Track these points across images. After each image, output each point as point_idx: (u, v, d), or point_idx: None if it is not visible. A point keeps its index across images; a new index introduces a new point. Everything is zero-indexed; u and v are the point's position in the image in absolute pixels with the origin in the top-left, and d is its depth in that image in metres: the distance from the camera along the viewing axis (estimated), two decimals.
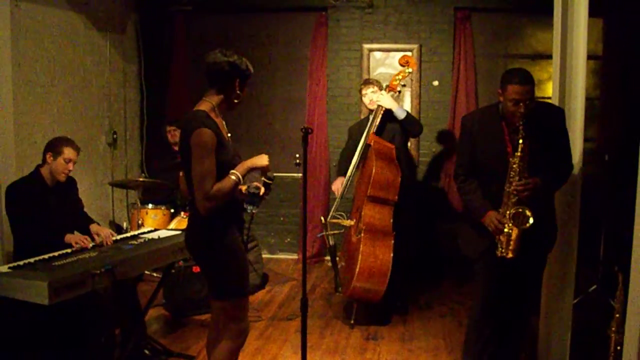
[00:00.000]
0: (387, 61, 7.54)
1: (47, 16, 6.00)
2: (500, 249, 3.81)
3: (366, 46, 7.58)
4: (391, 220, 5.42)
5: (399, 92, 5.94)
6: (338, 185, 5.96)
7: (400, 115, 5.67)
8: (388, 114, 5.71)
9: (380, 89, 5.82)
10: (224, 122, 3.60)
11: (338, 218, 5.91)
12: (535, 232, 3.77)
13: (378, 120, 5.70)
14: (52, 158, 4.53)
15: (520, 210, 3.73)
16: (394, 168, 5.47)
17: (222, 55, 3.48)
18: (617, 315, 3.80)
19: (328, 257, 7.33)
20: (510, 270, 3.91)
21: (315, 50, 7.61)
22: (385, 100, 5.68)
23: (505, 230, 3.77)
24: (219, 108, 3.56)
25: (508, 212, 3.77)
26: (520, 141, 3.70)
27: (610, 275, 5.58)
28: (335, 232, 6.04)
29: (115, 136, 7.29)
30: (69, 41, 6.38)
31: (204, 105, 3.51)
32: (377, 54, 7.58)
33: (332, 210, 6.00)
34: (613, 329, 3.84)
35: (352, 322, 5.53)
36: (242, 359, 4.80)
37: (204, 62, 3.51)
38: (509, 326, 4.18)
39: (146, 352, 4.75)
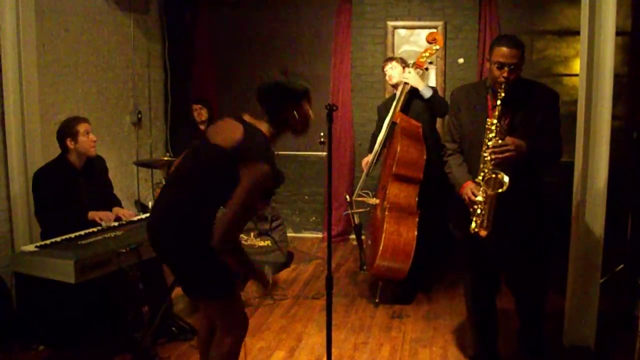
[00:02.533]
0: (411, 38, 7.48)
1: None
2: (473, 223, 3.71)
3: (390, 23, 7.52)
4: (416, 199, 5.38)
5: (426, 69, 5.87)
6: (366, 163, 5.95)
7: (426, 94, 5.61)
8: (414, 92, 5.65)
9: (404, 65, 5.77)
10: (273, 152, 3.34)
11: (364, 196, 5.89)
12: (514, 208, 3.69)
13: (403, 97, 5.65)
14: (73, 142, 4.54)
15: (494, 175, 3.61)
16: (419, 146, 5.42)
17: (270, 81, 3.33)
18: None
19: (353, 236, 7.34)
20: (496, 252, 3.87)
21: (339, 27, 7.56)
22: (412, 78, 5.61)
23: (479, 198, 3.67)
24: (277, 138, 3.37)
25: (481, 176, 3.67)
26: (499, 102, 3.61)
27: (638, 254, 5.55)
28: (361, 210, 6.01)
29: (139, 116, 7.31)
30: (93, 21, 6.38)
31: (264, 126, 3.30)
32: (402, 31, 7.52)
33: (357, 189, 5.98)
34: None
35: (377, 300, 5.54)
36: (267, 336, 4.86)
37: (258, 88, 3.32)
38: (523, 306, 4.16)
39: (173, 329, 4.80)
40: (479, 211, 3.70)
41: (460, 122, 3.95)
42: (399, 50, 7.45)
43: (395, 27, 7.52)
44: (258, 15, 7.81)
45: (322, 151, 7.50)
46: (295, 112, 3.32)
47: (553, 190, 5.03)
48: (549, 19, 7.32)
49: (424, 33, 7.31)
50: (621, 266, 5.65)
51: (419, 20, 7.48)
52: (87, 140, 4.56)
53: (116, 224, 4.53)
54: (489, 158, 3.64)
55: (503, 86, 3.63)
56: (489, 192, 3.63)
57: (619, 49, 6.58)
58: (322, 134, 6.97)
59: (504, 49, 3.64)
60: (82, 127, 4.55)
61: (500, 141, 3.61)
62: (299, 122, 3.36)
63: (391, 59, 5.90)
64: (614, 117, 4.38)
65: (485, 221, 3.68)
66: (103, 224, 4.47)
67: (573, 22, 7.04)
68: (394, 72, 5.76)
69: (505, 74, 3.63)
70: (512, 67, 3.64)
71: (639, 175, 5.88)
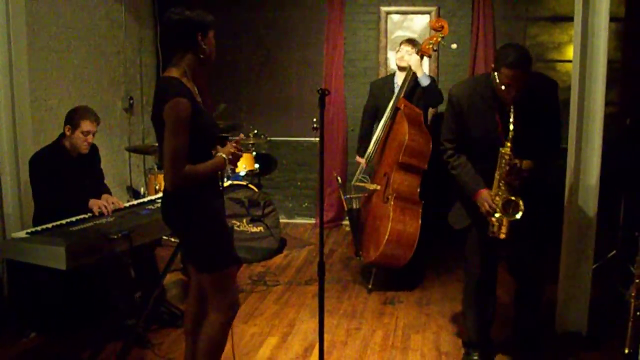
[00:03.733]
0: (404, 24, 7.46)
1: None
2: (492, 229, 3.71)
3: (384, 9, 7.49)
4: (418, 188, 5.40)
5: (430, 56, 5.84)
6: (365, 159, 5.90)
7: (424, 82, 5.60)
8: (414, 79, 5.65)
9: (417, 52, 5.73)
10: (195, 88, 3.37)
11: (364, 181, 5.86)
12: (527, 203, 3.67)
13: (407, 83, 5.64)
14: (70, 131, 4.52)
15: (513, 199, 3.62)
16: (425, 135, 5.41)
17: (173, 15, 3.25)
18: (637, 281, 3.75)
19: (346, 222, 7.34)
20: (496, 244, 3.87)
21: (332, 12, 7.52)
22: (414, 62, 5.60)
23: (497, 215, 3.66)
24: (190, 71, 3.33)
25: (499, 199, 3.66)
26: (511, 127, 3.56)
27: (630, 240, 5.55)
28: (359, 195, 5.99)
29: (131, 101, 7.27)
30: (84, 6, 6.33)
31: (174, 71, 3.28)
32: (395, 17, 7.49)
33: (357, 174, 5.94)
34: (632, 294, 3.81)
35: (370, 286, 5.54)
36: (259, 322, 4.86)
37: (161, 26, 3.32)
38: (525, 291, 4.16)
39: (165, 316, 4.79)
40: (496, 222, 3.69)
41: (462, 123, 3.86)
42: (392, 35, 7.43)
43: (389, 13, 7.49)
44: (250, 1, 7.77)
45: (315, 137, 7.51)
46: (203, 41, 3.29)
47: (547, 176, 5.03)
48: (543, 4, 7.30)
49: (417, 18, 7.34)
50: (613, 252, 5.67)
51: (413, 5, 7.45)
52: (82, 139, 4.53)
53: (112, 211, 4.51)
54: (504, 185, 3.67)
55: (511, 105, 3.57)
56: (504, 218, 3.65)
57: (613, 35, 6.57)
58: (314, 119, 6.97)
59: (512, 71, 3.52)
60: (85, 125, 4.51)
61: (514, 168, 3.63)
62: (207, 51, 3.33)
63: (412, 42, 5.85)
64: (607, 103, 4.37)
65: (504, 229, 3.67)
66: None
67: (566, 8, 7.02)
68: (407, 55, 5.72)
69: (512, 94, 3.56)
70: (520, 85, 3.56)
71: (632, 162, 5.88)
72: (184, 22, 3.24)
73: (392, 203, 5.28)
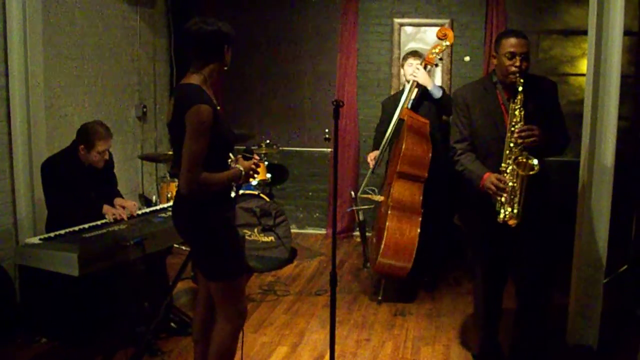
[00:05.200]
0: (418, 36, 7.47)
1: None
2: (502, 213, 3.67)
3: (397, 21, 7.50)
4: (421, 198, 5.35)
5: (436, 65, 5.78)
6: (372, 159, 5.91)
7: (436, 94, 5.56)
8: (424, 91, 5.60)
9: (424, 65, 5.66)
10: (213, 96, 3.39)
11: (369, 193, 5.87)
12: (532, 203, 3.67)
13: (413, 95, 5.60)
14: (85, 151, 4.52)
15: (525, 159, 3.59)
16: (424, 144, 5.38)
17: (205, 25, 3.28)
18: None
19: (357, 233, 7.34)
20: (506, 253, 3.87)
21: (345, 24, 7.54)
22: (421, 76, 5.54)
23: (510, 184, 3.64)
24: (210, 80, 3.38)
25: (511, 164, 3.64)
26: (520, 89, 3.63)
27: None
28: (365, 207, 5.99)
29: (145, 110, 7.31)
30: (99, 15, 6.38)
31: (195, 79, 3.32)
32: (408, 29, 7.51)
33: (362, 185, 5.96)
34: None
35: (379, 298, 5.53)
36: (269, 332, 4.86)
37: (187, 34, 3.31)
38: (527, 305, 4.12)
39: (173, 324, 4.80)
40: (508, 199, 3.66)
41: (469, 120, 3.91)
42: (405, 47, 7.43)
43: (402, 25, 7.50)
44: (264, 12, 7.82)
45: (327, 147, 7.52)
46: (227, 53, 3.40)
47: (558, 190, 5.04)
48: (556, 18, 7.30)
49: (430, 30, 7.34)
50: (625, 267, 5.65)
51: (426, 17, 7.46)
52: (98, 157, 4.55)
53: (126, 218, 4.53)
54: (514, 143, 3.64)
55: (517, 75, 3.65)
56: (522, 173, 3.60)
57: (626, 50, 6.56)
58: (327, 130, 6.98)
59: (513, 39, 3.69)
60: (101, 146, 4.52)
61: (525, 126, 3.61)
62: (228, 63, 3.44)
63: (416, 55, 5.77)
64: (620, 117, 4.36)
65: (516, 208, 3.65)
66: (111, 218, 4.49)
67: (580, 21, 7.02)
68: (419, 73, 5.59)
69: (517, 63, 3.66)
70: (523, 55, 3.67)
71: None
72: (216, 34, 3.31)
73: (389, 212, 5.28)
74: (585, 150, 4.39)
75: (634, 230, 5.78)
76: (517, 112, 3.65)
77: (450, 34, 5.64)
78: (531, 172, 3.58)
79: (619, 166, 4.34)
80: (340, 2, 7.57)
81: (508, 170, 3.68)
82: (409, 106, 5.60)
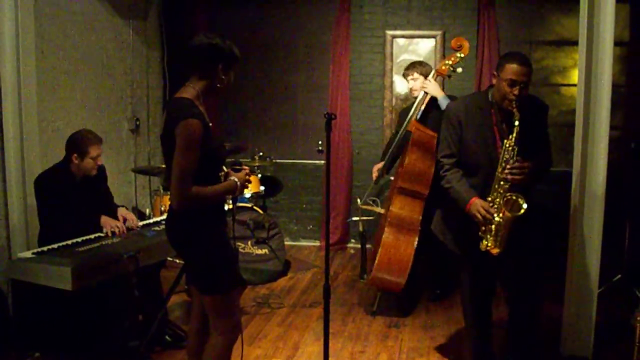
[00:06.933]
0: (410, 47, 7.50)
1: (70, 3, 6.00)
2: (485, 242, 3.70)
3: (389, 32, 7.53)
4: (420, 215, 5.26)
5: (449, 77, 5.58)
6: (376, 170, 5.86)
7: (445, 104, 5.36)
8: (434, 101, 5.49)
9: (424, 74, 5.57)
10: (204, 111, 3.36)
11: (370, 204, 5.84)
12: (521, 226, 3.67)
13: (423, 106, 5.50)
14: (78, 159, 4.51)
15: (514, 197, 3.61)
16: (428, 159, 5.25)
17: (204, 38, 3.29)
18: None
19: (350, 244, 7.33)
20: (495, 264, 3.86)
21: (337, 36, 7.57)
22: (431, 87, 5.46)
23: (496, 219, 3.65)
24: (202, 96, 3.35)
25: (499, 199, 3.65)
26: (517, 123, 3.60)
27: (635, 264, 5.55)
28: (365, 218, 5.96)
29: (138, 123, 7.31)
30: (92, 28, 6.39)
31: (188, 93, 3.30)
32: (401, 41, 7.54)
33: (365, 196, 5.93)
34: (638, 318, 3.80)
35: (374, 309, 5.53)
36: (264, 344, 4.85)
37: (185, 46, 3.32)
38: (518, 315, 4.11)
39: (167, 338, 4.78)
40: (493, 231, 3.67)
41: (460, 138, 3.88)
42: (398, 59, 7.47)
43: (394, 36, 7.53)
44: (257, 24, 7.83)
45: (320, 159, 7.53)
46: (222, 72, 3.36)
47: (550, 200, 5.05)
48: (547, 29, 7.34)
49: (422, 42, 7.37)
50: (618, 276, 5.66)
51: (418, 29, 7.49)
52: (92, 164, 4.54)
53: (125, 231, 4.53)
54: (504, 180, 3.65)
55: (514, 104, 3.63)
56: (507, 214, 3.61)
57: (617, 59, 6.60)
58: (320, 142, 6.99)
59: (516, 66, 3.64)
60: (94, 151, 4.52)
61: (517, 163, 3.62)
62: (224, 82, 3.41)
63: (413, 67, 5.67)
64: (612, 127, 4.38)
65: (500, 241, 3.66)
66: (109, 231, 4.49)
67: (571, 32, 7.06)
68: (416, 83, 5.58)
69: (516, 92, 3.63)
70: (523, 85, 3.65)
71: (637, 186, 5.88)
72: (210, 47, 3.29)
73: (386, 228, 5.25)
74: (577, 160, 4.40)
75: (627, 240, 5.79)
76: (510, 149, 3.63)
77: (466, 44, 5.44)
78: (518, 214, 3.60)
79: (611, 175, 4.36)
80: (333, 14, 7.59)
81: (496, 205, 3.69)
82: (418, 117, 5.50)
